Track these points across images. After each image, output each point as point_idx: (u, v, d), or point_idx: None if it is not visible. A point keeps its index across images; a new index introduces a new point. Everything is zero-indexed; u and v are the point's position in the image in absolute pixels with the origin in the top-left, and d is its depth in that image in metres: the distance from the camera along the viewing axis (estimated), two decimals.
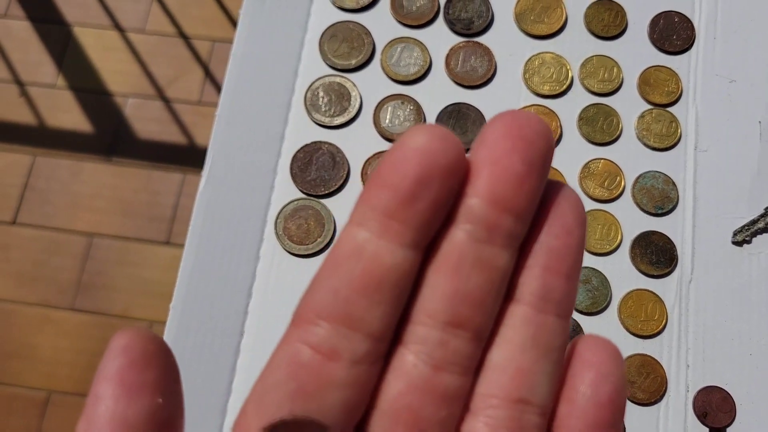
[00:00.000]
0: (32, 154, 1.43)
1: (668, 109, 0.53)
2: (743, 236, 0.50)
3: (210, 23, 1.49)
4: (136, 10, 1.50)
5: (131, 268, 1.40)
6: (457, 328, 0.17)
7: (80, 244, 1.39)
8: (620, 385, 0.18)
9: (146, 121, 1.44)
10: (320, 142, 0.52)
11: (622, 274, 0.49)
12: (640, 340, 0.48)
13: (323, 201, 0.50)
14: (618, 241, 0.50)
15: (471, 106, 0.52)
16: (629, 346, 0.48)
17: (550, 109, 0.52)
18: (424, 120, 0.52)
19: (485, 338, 0.18)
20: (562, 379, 0.19)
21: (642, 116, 0.52)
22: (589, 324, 0.48)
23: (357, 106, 0.52)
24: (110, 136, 1.44)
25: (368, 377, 0.17)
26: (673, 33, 0.54)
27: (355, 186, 0.51)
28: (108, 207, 1.41)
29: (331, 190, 0.50)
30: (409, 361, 0.17)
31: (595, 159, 0.51)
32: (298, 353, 0.16)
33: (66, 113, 1.45)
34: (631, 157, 0.52)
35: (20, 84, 1.46)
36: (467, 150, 0.26)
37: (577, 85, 0.53)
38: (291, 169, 0.51)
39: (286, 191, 0.51)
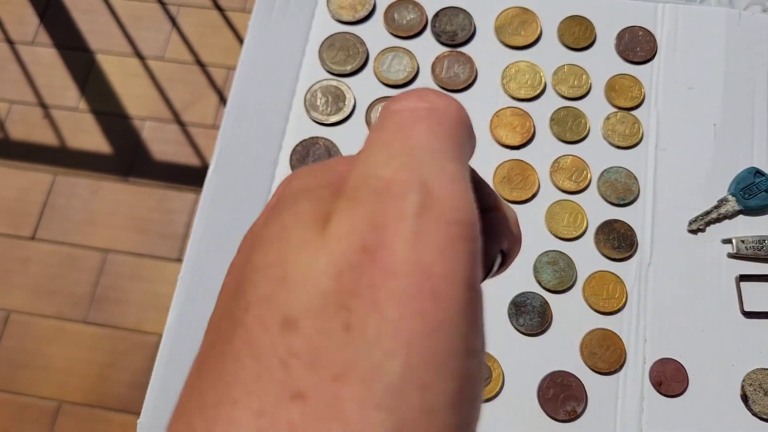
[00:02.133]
0: (53, 173, 1.50)
1: (632, 112, 0.58)
2: (697, 225, 0.55)
3: (226, 52, 1.57)
4: (157, 39, 1.58)
5: (144, 283, 1.45)
6: None
7: (96, 259, 1.45)
8: None
9: (162, 143, 1.51)
10: (317, 137, 0.58)
11: (587, 257, 0.55)
12: (602, 317, 0.53)
13: None
14: (584, 227, 0.55)
15: None
16: (592, 321, 0.53)
17: (524, 111, 0.58)
18: None
19: None
20: None
21: (608, 118, 0.58)
22: (555, 301, 0.53)
23: (351, 106, 0.58)
24: (128, 157, 1.51)
25: None
26: (637, 45, 0.60)
27: None
28: (123, 224, 1.47)
29: None
30: None
31: (564, 155, 0.57)
32: None
33: (87, 135, 1.52)
34: (598, 154, 0.57)
35: (44, 107, 1.54)
36: None
37: (550, 90, 0.59)
38: (290, 160, 0.57)
39: None
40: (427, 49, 0.60)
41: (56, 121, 1.55)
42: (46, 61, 1.58)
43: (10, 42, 1.60)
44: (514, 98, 0.59)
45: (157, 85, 1.56)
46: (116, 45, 1.59)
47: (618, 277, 0.54)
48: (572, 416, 0.51)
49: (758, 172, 0.55)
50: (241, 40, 1.58)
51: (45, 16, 1.61)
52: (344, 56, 0.60)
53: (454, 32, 0.61)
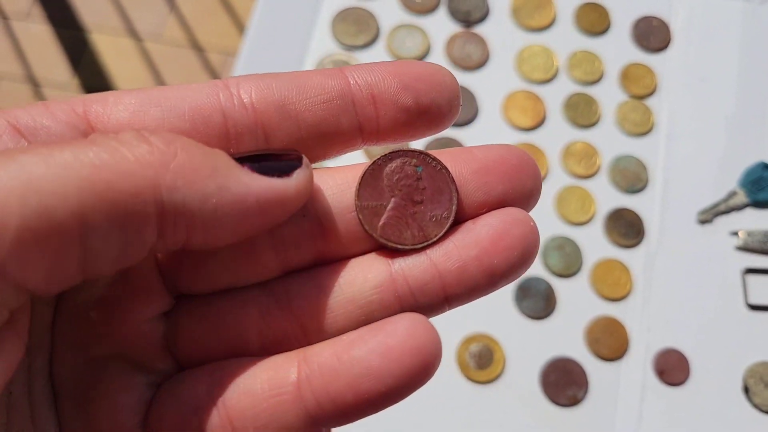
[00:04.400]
0: None
1: (644, 101, 0.58)
2: (706, 216, 0.55)
3: (224, 37, 1.55)
4: (154, 20, 1.56)
5: None
6: None
7: None
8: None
9: None
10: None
11: (594, 243, 0.54)
12: (607, 303, 0.53)
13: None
14: (592, 213, 0.55)
15: (462, 87, 0.58)
16: (597, 307, 0.52)
17: (536, 94, 0.58)
18: None
19: None
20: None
21: (620, 105, 0.58)
22: (561, 286, 0.53)
23: None
24: None
25: None
26: (651, 35, 0.60)
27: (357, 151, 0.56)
28: None
29: None
30: None
31: (574, 140, 0.56)
32: None
33: None
34: (608, 140, 0.57)
35: (35, 83, 1.52)
36: None
37: (563, 75, 0.59)
38: None
39: None
40: (440, 27, 0.60)
41: (46, 98, 1.53)
42: (39, 37, 1.56)
43: (4, 17, 1.57)
44: (526, 80, 0.58)
45: (152, 67, 1.54)
46: (112, 24, 1.57)
47: (624, 264, 0.53)
48: (573, 402, 0.50)
49: (767, 166, 0.55)
50: (239, 25, 1.56)
51: None
52: (356, 30, 0.59)
53: (468, 11, 0.60)
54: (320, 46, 0.59)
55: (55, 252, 0.15)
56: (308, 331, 0.20)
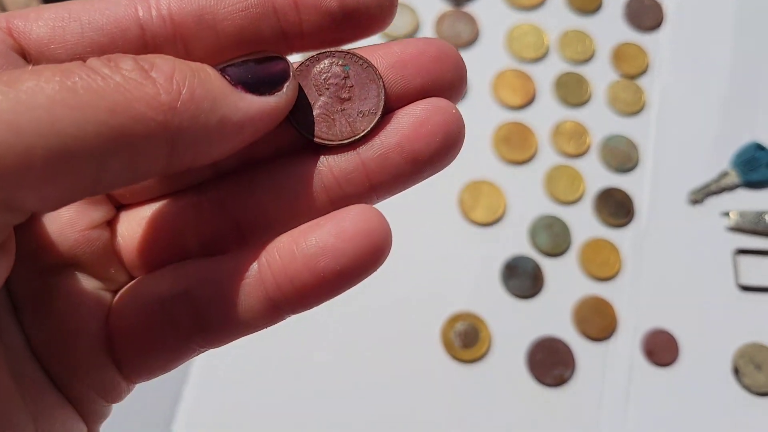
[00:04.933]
0: None
1: (636, 80, 0.57)
2: (697, 197, 0.54)
3: None
4: None
5: None
6: None
7: None
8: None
9: None
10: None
11: (583, 222, 0.53)
12: (596, 283, 0.52)
13: None
14: (581, 192, 0.54)
15: None
16: (585, 287, 0.52)
17: (526, 73, 0.57)
18: None
19: None
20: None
21: (611, 85, 0.57)
22: (549, 265, 0.52)
23: None
24: None
25: None
26: (644, 14, 0.59)
27: None
28: None
29: None
30: None
31: (564, 119, 0.56)
32: None
33: None
34: (599, 120, 0.56)
35: None
36: None
37: (553, 54, 0.58)
38: None
39: None
40: (430, 5, 0.59)
41: None
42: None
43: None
44: (517, 59, 0.58)
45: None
46: None
47: (614, 244, 0.53)
48: (559, 381, 0.49)
49: (760, 147, 0.54)
50: None
51: None
52: None
53: None
54: None
55: (71, 183, 0.15)
56: (242, 227, 0.20)
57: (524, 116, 0.56)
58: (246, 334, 0.20)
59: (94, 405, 0.20)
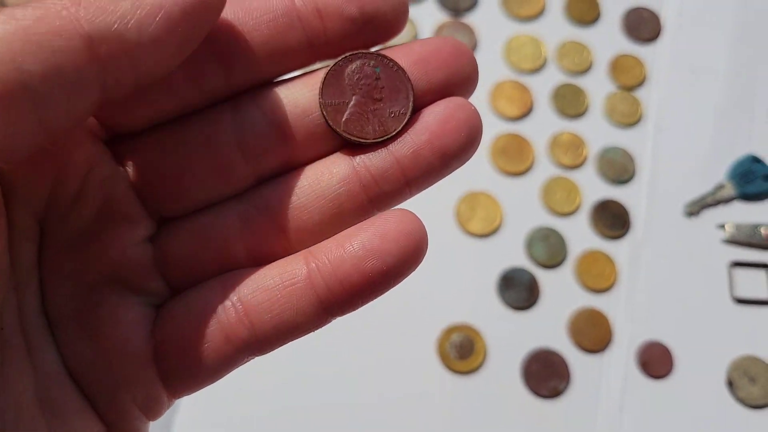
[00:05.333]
0: None
1: (633, 91, 0.57)
2: (693, 209, 0.54)
3: None
4: None
5: None
6: None
7: None
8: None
9: None
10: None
11: (579, 234, 0.53)
12: (591, 295, 0.52)
13: None
14: (578, 203, 0.54)
15: None
16: (581, 299, 0.52)
17: (524, 84, 0.57)
18: None
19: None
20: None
21: (608, 96, 0.57)
22: (545, 276, 0.52)
23: None
24: None
25: None
26: (642, 26, 0.59)
27: None
28: None
29: None
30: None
31: (562, 131, 0.56)
32: None
33: None
34: (596, 131, 0.56)
35: None
36: None
37: (551, 65, 0.58)
38: None
39: None
40: (428, 15, 0.59)
41: None
42: None
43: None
44: (514, 70, 0.58)
45: None
46: None
47: (609, 256, 0.53)
48: (554, 393, 0.50)
49: (756, 159, 0.55)
50: None
51: None
52: None
53: (457, 1, 0.59)
54: None
55: (7, 111, 0.16)
56: (287, 230, 0.21)
57: (521, 127, 0.56)
58: (296, 338, 0.21)
59: (133, 423, 0.21)
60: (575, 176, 0.55)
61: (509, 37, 0.59)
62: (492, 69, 0.58)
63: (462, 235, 0.53)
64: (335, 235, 0.21)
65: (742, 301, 0.52)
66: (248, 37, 0.20)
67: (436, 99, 0.21)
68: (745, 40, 0.59)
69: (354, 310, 0.20)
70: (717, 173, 0.55)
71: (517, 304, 0.52)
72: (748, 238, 0.53)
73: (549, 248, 0.53)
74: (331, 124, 0.21)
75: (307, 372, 0.49)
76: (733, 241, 0.53)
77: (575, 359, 0.51)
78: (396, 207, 0.21)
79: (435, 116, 0.21)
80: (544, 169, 0.55)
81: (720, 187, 0.54)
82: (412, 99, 0.21)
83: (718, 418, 0.50)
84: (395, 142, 0.21)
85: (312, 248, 0.21)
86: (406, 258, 0.20)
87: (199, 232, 0.21)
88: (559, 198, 0.54)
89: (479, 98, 0.57)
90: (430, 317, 0.51)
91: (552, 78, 0.58)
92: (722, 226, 0.54)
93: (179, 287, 0.21)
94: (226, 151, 0.21)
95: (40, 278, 0.20)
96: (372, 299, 0.20)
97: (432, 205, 0.53)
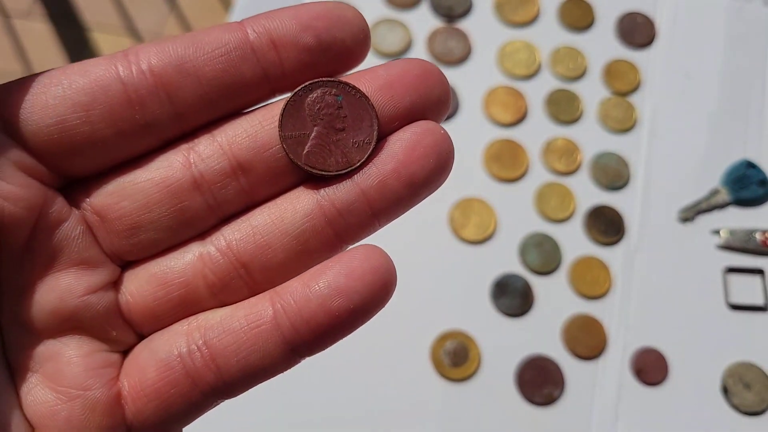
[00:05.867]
0: None
1: (627, 97, 0.57)
2: (687, 215, 0.54)
3: None
4: (154, 19, 1.56)
5: None
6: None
7: None
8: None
9: None
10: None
11: (573, 240, 0.53)
12: (586, 301, 0.52)
13: None
14: (572, 210, 0.54)
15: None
16: (575, 305, 0.52)
17: (518, 90, 0.57)
18: None
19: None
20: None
21: (602, 102, 0.57)
22: (539, 283, 0.52)
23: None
24: None
25: None
26: (636, 31, 0.59)
27: None
28: None
29: None
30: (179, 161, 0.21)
31: (555, 137, 0.56)
32: None
33: None
34: (590, 137, 0.56)
35: None
36: None
37: (545, 71, 0.58)
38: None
39: None
40: (422, 22, 0.59)
41: None
42: (40, 36, 1.56)
43: (5, 15, 1.58)
44: (508, 76, 0.58)
45: None
46: (112, 23, 1.57)
47: (604, 262, 0.53)
48: (549, 400, 0.50)
49: (750, 165, 0.54)
50: None
51: None
52: None
53: (451, 6, 0.60)
54: None
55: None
56: (252, 270, 0.21)
57: (515, 133, 0.56)
58: (265, 380, 0.20)
59: None
60: (569, 182, 0.55)
61: (503, 43, 0.59)
62: (486, 75, 0.58)
63: (456, 241, 0.53)
64: (301, 275, 0.20)
65: (737, 307, 0.52)
66: (199, 74, 0.19)
67: (404, 124, 0.20)
68: (739, 46, 0.59)
69: (323, 350, 0.20)
70: (711, 178, 0.55)
71: (511, 311, 0.51)
72: (743, 244, 0.53)
73: (543, 255, 0.53)
74: (292, 157, 0.20)
75: (300, 380, 0.49)
76: (727, 247, 0.53)
77: (570, 366, 0.50)
78: (364, 241, 0.21)
79: (401, 143, 0.20)
80: (538, 175, 0.55)
81: (714, 192, 0.54)
82: (376, 127, 0.20)
83: (713, 424, 0.49)
84: (360, 172, 0.20)
85: (278, 288, 0.20)
86: (373, 296, 0.19)
87: (162, 275, 0.21)
88: (553, 204, 0.54)
89: (473, 104, 0.57)
90: (424, 324, 0.51)
91: (546, 84, 0.58)
92: (717, 232, 0.54)
93: (145, 331, 0.21)
94: (183, 191, 0.20)
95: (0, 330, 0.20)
96: (340, 338, 0.20)
97: (426, 212, 0.53)
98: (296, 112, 0.20)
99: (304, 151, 0.20)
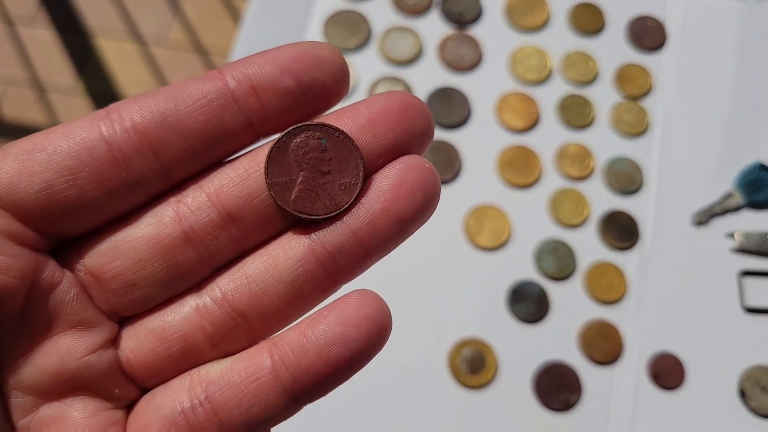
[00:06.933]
0: None
1: (639, 101, 0.57)
2: (701, 218, 0.54)
3: (228, 40, 1.55)
4: (158, 24, 1.57)
5: None
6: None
7: None
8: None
9: None
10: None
11: (588, 245, 0.53)
12: (601, 306, 0.52)
13: None
14: (586, 215, 0.54)
15: (455, 89, 0.57)
16: (591, 311, 0.52)
17: (530, 96, 0.57)
18: None
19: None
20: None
21: (615, 107, 0.57)
22: (554, 289, 0.52)
23: (353, 84, 0.57)
24: None
25: None
26: (646, 35, 0.59)
27: None
28: None
29: None
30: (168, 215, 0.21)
31: (568, 142, 0.56)
32: None
33: None
34: (602, 142, 0.56)
35: (41, 89, 1.52)
36: None
37: (556, 76, 0.58)
38: None
39: None
40: (433, 28, 0.59)
41: (51, 104, 1.53)
42: (45, 43, 1.57)
43: (9, 22, 1.58)
44: (520, 82, 0.58)
45: (156, 71, 1.55)
46: (116, 28, 1.57)
47: (618, 267, 0.53)
48: (566, 406, 0.50)
49: (764, 167, 0.54)
50: None
51: None
52: (348, 33, 0.59)
53: (461, 13, 0.60)
54: None
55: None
56: (249, 319, 0.21)
57: (528, 140, 0.56)
58: (268, 429, 0.20)
59: None
60: (583, 188, 0.55)
61: (514, 49, 0.59)
62: (497, 81, 0.58)
63: (471, 248, 0.53)
64: (297, 323, 0.20)
65: (752, 311, 0.52)
66: (183, 127, 0.20)
67: (389, 161, 0.21)
68: (750, 48, 0.59)
69: (323, 395, 0.20)
70: (725, 182, 0.55)
71: (527, 318, 0.52)
72: (757, 247, 0.53)
73: (558, 260, 0.53)
74: (280, 204, 0.20)
75: None
76: (742, 250, 0.53)
77: (586, 372, 0.51)
78: (359, 288, 0.21)
79: (388, 181, 0.20)
80: (552, 181, 0.55)
81: (728, 195, 0.54)
82: (362, 168, 0.20)
83: (731, 428, 0.50)
84: (349, 214, 0.20)
85: (275, 338, 0.20)
86: (370, 342, 0.20)
87: (160, 330, 0.21)
88: (567, 210, 0.54)
89: (485, 111, 0.57)
90: (441, 332, 0.51)
91: (557, 89, 0.58)
92: (731, 235, 0.54)
93: (147, 385, 0.21)
94: (175, 246, 0.20)
95: (2, 392, 0.20)
96: (340, 384, 0.20)
97: (441, 220, 0.53)
98: (281, 158, 0.20)
99: (292, 197, 0.20)
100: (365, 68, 0.58)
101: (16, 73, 1.53)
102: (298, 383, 0.20)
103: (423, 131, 0.21)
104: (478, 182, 0.55)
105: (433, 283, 0.52)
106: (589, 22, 0.60)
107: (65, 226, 0.20)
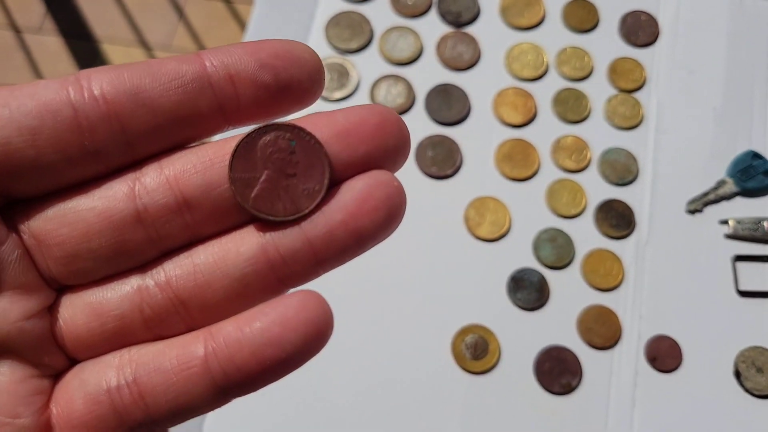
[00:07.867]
0: None
1: (633, 94, 0.59)
2: (695, 206, 0.56)
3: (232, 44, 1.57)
4: (163, 29, 1.59)
5: None
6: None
7: None
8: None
9: None
10: (320, 112, 0.58)
11: (585, 234, 0.55)
12: (599, 293, 0.54)
13: None
14: (583, 205, 0.56)
15: (454, 86, 0.59)
16: (589, 297, 0.54)
17: (527, 91, 0.59)
18: (414, 97, 0.59)
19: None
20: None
21: (609, 100, 0.59)
22: (554, 277, 0.54)
23: (355, 83, 0.59)
24: None
25: None
26: (640, 30, 0.61)
27: None
28: None
29: None
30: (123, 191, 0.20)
31: (565, 135, 0.58)
32: None
33: None
34: (598, 134, 0.58)
35: None
36: None
37: (552, 71, 0.60)
38: None
39: None
40: (431, 28, 0.61)
41: None
42: (52, 50, 1.59)
43: (17, 30, 1.60)
44: (517, 78, 0.60)
45: None
46: (122, 35, 1.60)
47: (616, 255, 0.55)
48: (567, 390, 0.51)
49: (756, 155, 0.56)
50: None
51: (52, 2, 1.62)
52: (350, 34, 0.61)
53: (459, 12, 0.61)
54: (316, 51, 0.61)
55: None
56: (189, 308, 0.20)
57: (525, 133, 0.58)
58: (194, 417, 0.20)
59: None
60: (580, 179, 0.57)
61: (511, 46, 0.61)
62: (495, 77, 0.60)
63: (472, 240, 0.55)
64: (236, 316, 0.20)
65: (746, 294, 0.54)
66: (155, 105, 0.19)
67: (359, 172, 0.20)
68: (742, 40, 0.61)
69: (253, 391, 0.20)
70: (718, 170, 0.57)
71: (528, 305, 0.53)
72: (750, 233, 0.55)
73: (557, 250, 0.55)
74: (239, 199, 0.20)
75: (323, 374, 0.51)
76: (735, 236, 0.55)
77: (586, 356, 0.52)
78: (303, 287, 0.20)
79: (353, 194, 0.20)
80: (549, 173, 0.57)
81: (721, 183, 0.56)
82: (328, 176, 0.20)
83: (727, 408, 0.51)
84: (308, 220, 0.20)
85: (212, 328, 0.20)
86: (306, 346, 0.19)
87: (98, 306, 0.20)
88: (564, 200, 0.56)
89: (484, 107, 0.58)
90: (444, 320, 0.53)
91: (554, 84, 0.60)
92: (725, 222, 0.55)
93: (77, 358, 0.21)
94: (125, 223, 0.20)
95: None
96: (271, 383, 0.20)
97: (442, 212, 0.55)
98: (248, 153, 0.20)
99: (252, 194, 0.20)
100: (366, 68, 0.60)
101: (25, 80, 1.55)
102: (229, 378, 0.19)
103: (397, 149, 0.20)
104: (478, 176, 0.56)
105: (436, 274, 0.54)
106: (583, 18, 0.62)
107: (17, 185, 0.19)
